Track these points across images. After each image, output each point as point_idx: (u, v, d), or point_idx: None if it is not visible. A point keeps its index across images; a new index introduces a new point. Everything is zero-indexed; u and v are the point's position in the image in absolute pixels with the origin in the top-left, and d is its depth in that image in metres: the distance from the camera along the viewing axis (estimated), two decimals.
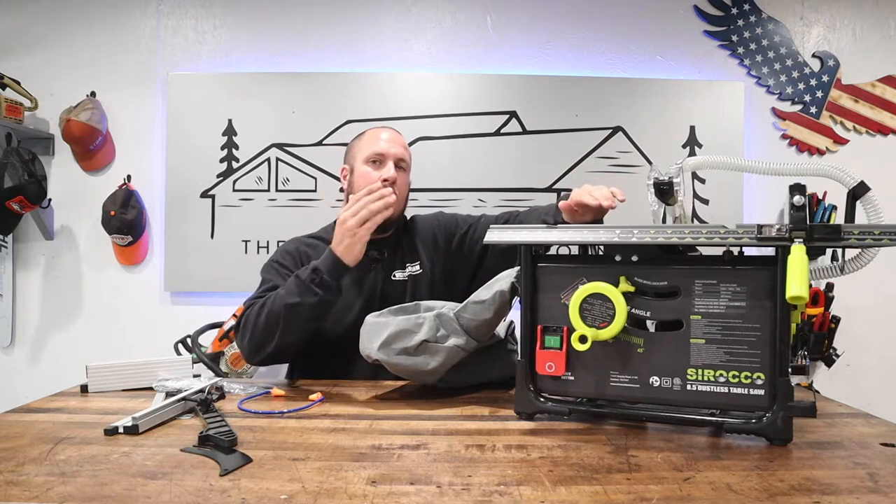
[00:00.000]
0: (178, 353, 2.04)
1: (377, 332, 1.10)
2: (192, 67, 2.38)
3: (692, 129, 2.35)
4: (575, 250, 1.04)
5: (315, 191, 2.34)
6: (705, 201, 2.35)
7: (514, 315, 1.04)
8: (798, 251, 0.80)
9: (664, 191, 1.01)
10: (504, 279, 1.05)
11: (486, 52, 2.40)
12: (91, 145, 2.32)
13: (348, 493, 0.66)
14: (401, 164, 1.40)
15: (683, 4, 2.40)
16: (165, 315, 2.37)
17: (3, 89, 2.24)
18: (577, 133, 2.35)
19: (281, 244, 1.50)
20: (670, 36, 2.40)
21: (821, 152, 2.39)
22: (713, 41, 2.40)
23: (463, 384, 1.14)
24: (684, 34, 2.40)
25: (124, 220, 2.27)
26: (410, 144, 2.27)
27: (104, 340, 2.37)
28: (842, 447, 0.82)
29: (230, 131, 2.35)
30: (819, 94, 2.38)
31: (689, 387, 0.88)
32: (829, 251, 0.97)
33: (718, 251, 0.88)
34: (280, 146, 2.35)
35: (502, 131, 2.36)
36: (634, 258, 0.91)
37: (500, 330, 1.19)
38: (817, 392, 1.51)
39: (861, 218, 0.88)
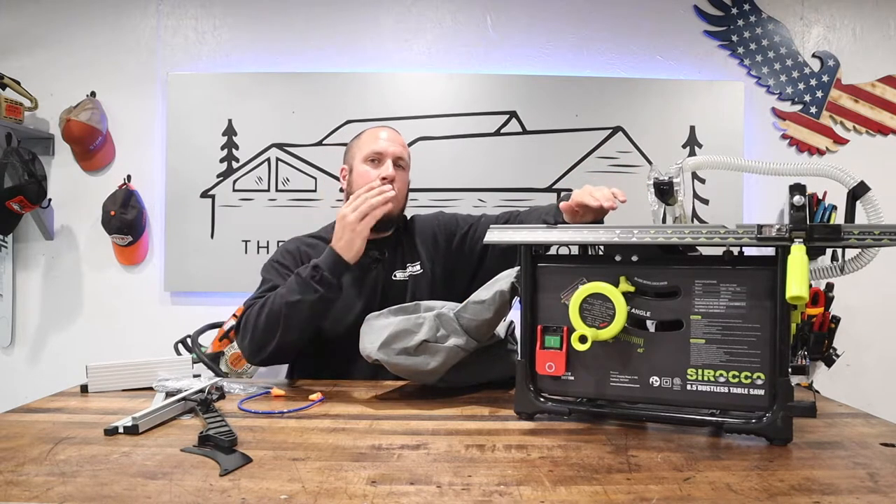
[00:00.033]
0: (178, 353, 2.04)
1: (377, 332, 1.10)
2: (192, 67, 2.38)
3: (692, 129, 2.35)
4: (575, 250, 1.04)
5: (315, 191, 2.34)
6: (705, 201, 2.35)
7: (514, 315, 1.04)
8: (798, 251, 0.80)
9: (664, 191, 1.01)
10: (504, 279, 1.05)
11: (486, 52, 2.40)
12: (91, 145, 2.32)
13: (348, 493, 0.66)
14: (399, 163, 1.40)
15: (683, 4, 2.40)
16: (165, 315, 2.37)
17: (3, 89, 2.24)
18: (577, 133, 2.35)
19: (281, 244, 1.50)
20: (670, 36, 2.40)
21: (821, 152, 2.39)
22: (713, 41, 2.40)
23: (463, 384, 1.14)
24: (684, 34, 2.40)
25: (124, 220, 2.27)
26: (410, 144, 2.28)
27: (104, 340, 2.37)
28: (842, 447, 0.82)
29: (230, 131, 2.35)
30: (819, 94, 2.38)
31: (689, 387, 0.88)
32: (829, 251, 0.97)
33: (718, 251, 0.88)
34: (280, 146, 2.35)
35: (502, 131, 2.36)
36: (634, 258, 0.91)
37: (500, 330, 1.19)
38: (817, 392, 1.51)
39: (861, 218, 0.88)
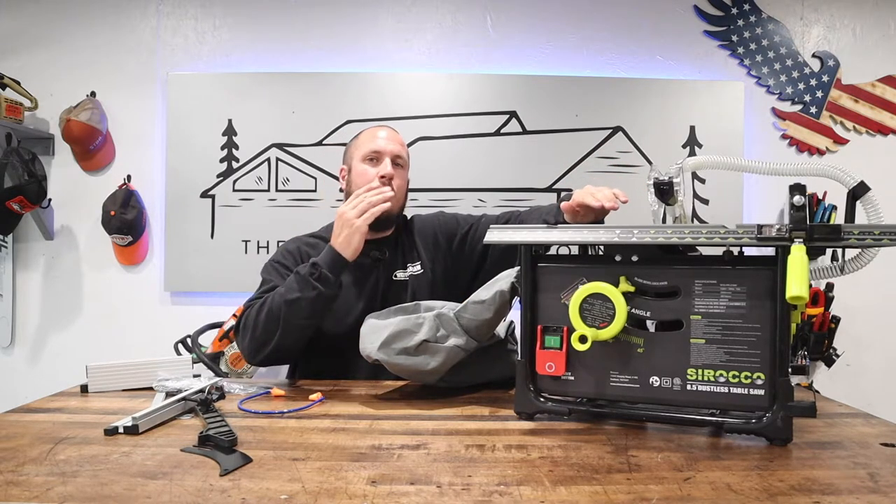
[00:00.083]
0: (178, 353, 2.04)
1: (377, 332, 1.10)
2: (192, 67, 2.38)
3: (692, 129, 2.35)
4: (575, 250, 1.04)
5: (315, 191, 2.34)
6: (705, 201, 2.35)
7: (514, 315, 1.04)
8: (798, 251, 0.80)
9: (664, 191, 1.01)
10: (504, 279, 1.05)
11: (486, 52, 2.40)
12: (91, 145, 2.32)
13: (348, 493, 0.66)
14: (398, 161, 1.40)
15: (683, 4, 2.40)
16: (165, 315, 2.37)
17: (3, 89, 2.24)
18: (577, 133, 2.35)
19: (281, 244, 1.50)
20: (670, 36, 2.40)
21: (821, 152, 2.39)
22: (713, 41, 2.40)
23: (463, 384, 1.14)
24: (684, 34, 2.40)
25: (124, 220, 2.27)
26: (410, 144, 2.28)
27: (104, 340, 2.37)
28: (842, 447, 0.82)
29: (230, 131, 2.35)
30: (819, 94, 2.38)
31: (689, 387, 0.88)
32: (829, 251, 0.97)
33: (718, 251, 0.88)
34: (280, 146, 2.35)
35: (502, 131, 2.36)
36: (634, 258, 0.91)
37: (500, 330, 1.19)
38: (817, 392, 1.51)
39: (861, 218, 0.88)
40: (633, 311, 0.90)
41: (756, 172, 0.99)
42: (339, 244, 1.21)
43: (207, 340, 2.07)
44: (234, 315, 2.03)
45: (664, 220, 1.05)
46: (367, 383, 1.23)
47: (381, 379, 1.25)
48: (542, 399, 0.96)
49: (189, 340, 2.04)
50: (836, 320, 2.26)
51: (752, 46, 2.39)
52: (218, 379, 1.14)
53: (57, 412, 1.01)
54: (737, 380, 0.85)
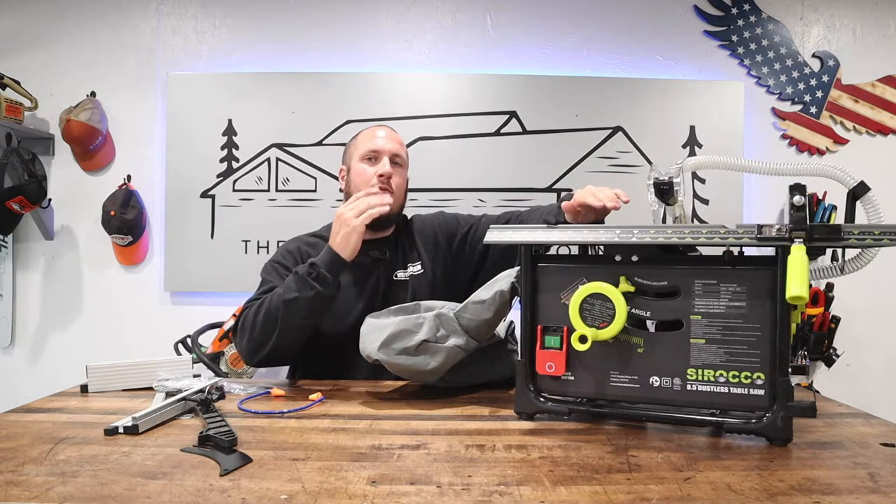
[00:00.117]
0: (178, 353, 2.04)
1: (377, 332, 1.10)
2: (192, 67, 2.38)
3: (692, 129, 2.35)
4: (575, 250, 1.04)
5: (315, 191, 2.34)
6: (705, 201, 2.35)
7: (514, 315, 1.04)
8: (798, 251, 0.80)
9: (664, 191, 1.01)
10: (504, 279, 1.05)
11: (486, 52, 2.40)
12: (91, 145, 2.32)
13: (348, 493, 0.66)
14: (396, 160, 1.40)
15: (683, 4, 2.40)
16: (165, 315, 2.37)
17: (3, 89, 2.24)
18: (577, 133, 2.35)
19: (282, 244, 1.50)
20: (670, 36, 2.40)
21: (821, 152, 2.39)
22: (713, 41, 2.40)
23: (463, 384, 1.14)
24: (684, 34, 2.40)
25: (124, 220, 2.27)
26: (410, 144, 2.28)
27: (104, 340, 2.38)
28: (842, 447, 0.82)
29: (230, 131, 2.35)
30: (819, 94, 2.38)
31: (689, 387, 0.88)
32: (829, 251, 0.97)
33: (718, 251, 0.88)
34: (280, 146, 2.35)
35: (502, 131, 2.36)
36: (634, 258, 0.91)
37: (500, 330, 1.19)
38: (817, 392, 1.51)
39: (861, 218, 0.88)
40: (633, 311, 0.90)
41: (756, 172, 0.99)
42: (337, 244, 1.21)
43: (207, 340, 2.07)
44: (234, 315, 2.03)
45: (664, 220, 1.05)
46: (367, 383, 1.23)
47: (381, 379, 1.25)
48: (542, 399, 0.96)
49: (189, 340, 2.04)
50: (836, 320, 2.26)
51: (752, 46, 2.39)
52: (218, 379, 1.14)
53: (57, 412, 1.01)
54: (737, 380, 0.85)
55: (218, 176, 2.34)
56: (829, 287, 2.22)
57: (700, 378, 0.87)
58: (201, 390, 1.01)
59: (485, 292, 1.06)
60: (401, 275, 1.39)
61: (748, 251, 0.89)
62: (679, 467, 0.74)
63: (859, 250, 0.88)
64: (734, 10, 2.39)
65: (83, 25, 2.39)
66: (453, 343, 1.07)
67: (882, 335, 2.36)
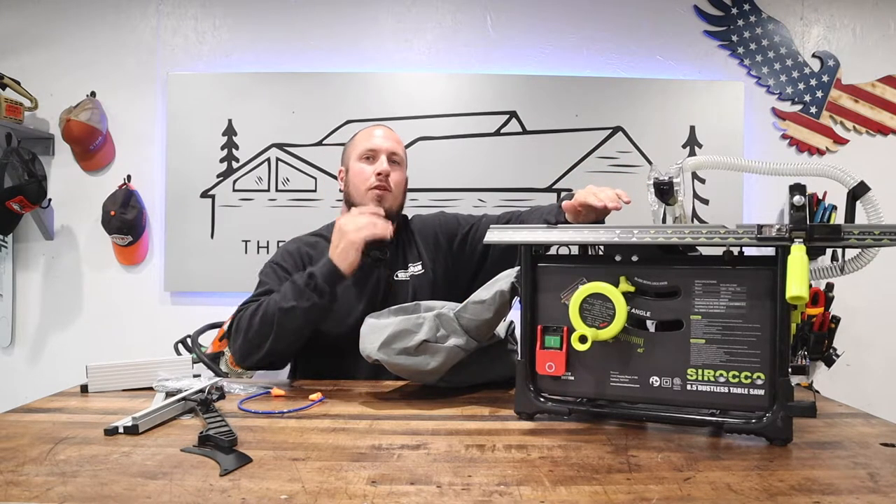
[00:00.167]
0: (178, 353, 2.04)
1: (377, 332, 1.10)
2: (192, 67, 2.38)
3: (692, 129, 2.35)
4: (575, 250, 1.04)
5: (315, 191, 2.34)
6: (705, 201, 2.35)
7: (514, 315, 1.04)
8: (798, 251, 0.80)
9: (664, 191, 1.01)
10: (504, 279, 1.05)
11: (486, 52, 2.40)
12: (91, 145, 2.32)
13: (348, 493, 0.66)
14: (394, 159, 1.40)
15: (683, 4, 2.40)
16: (165, 315, 2.37)
17: (3, 89, 2.24)
18: (577, 133, 2.35)
19: (282, 244, 1.50)
20: (670, 36, 2.40)
21: (821, 152, 2.39)
22: (713, 41, 2.40)
23: (463, 384, 1.14)
24: (684, 34, 2.40)
25: (124, 220, 2.27)
26: (410, 144, 2.29)
27: (104, 340, 2.38)
28: (842, 447, 0.82)
29: (230, 131, 2.35)
30: (819, 94, 2.38)
31: (689, 387, 0.88)
32: (829, 251, 0.97)
33: (718, 251, 0.88)
34: (280, 146, 2.35)
35: (502, 131, 2.36)
36: (634, 258, 0.91)
37: (500, 330, 1.19)
38: (817, 392, 1.51)
39: (861, 218, 0.88)
40: (633, 311, 0.90)
41: (756, 172, 0.99)
42: (337, 256, 1.20)
43: (207, 340, 2.07)
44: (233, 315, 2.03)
45: (664, 220, 1.05)
46: (367, 383, 1.23)
47: (381, 379, 1.25)
48: (542, 399, 0.96)
49: (189, 340, 2.04)
50: (836, 320, 2.26)
51: (752, 46, 2.39)
52: (218, 379, 1.14)
53: (57, 412, 1.01)
54: (737, 380, 0.85)
55: (218, 176, 2.34)
56: (829, 287, 2.22)
57: (700, 378, 0.87)
58: (201, 390, 1.01)
59: (485, 292, 1.06)
60: (401, 275, 1.39)
61: (748, 251, 0.89)
62: (679, 467, 0.74)
63: (859, 250, 0.88)
64: (734, 10, 2.39)
65: (83, 25, 2.39)
66: (453, 343, 1.07)
67: (882, 335, 2.36)
